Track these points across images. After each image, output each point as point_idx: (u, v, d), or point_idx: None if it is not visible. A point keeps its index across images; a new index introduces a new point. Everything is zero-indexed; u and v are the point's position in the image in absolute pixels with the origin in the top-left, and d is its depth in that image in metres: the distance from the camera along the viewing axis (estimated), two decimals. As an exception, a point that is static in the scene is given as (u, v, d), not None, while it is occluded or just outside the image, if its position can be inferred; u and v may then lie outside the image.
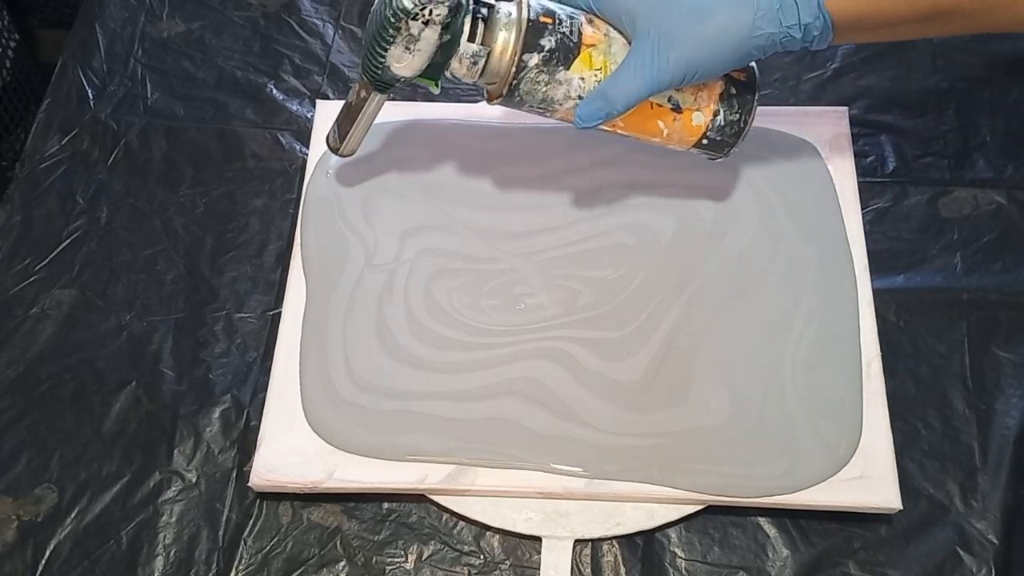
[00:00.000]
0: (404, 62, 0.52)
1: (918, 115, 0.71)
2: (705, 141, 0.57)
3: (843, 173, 0.66)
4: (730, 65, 0.53)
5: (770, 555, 0.56)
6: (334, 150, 0.62)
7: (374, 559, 0.56)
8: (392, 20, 0.51)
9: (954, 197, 0.68)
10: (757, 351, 0.60)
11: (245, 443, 0.59)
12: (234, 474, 0.59)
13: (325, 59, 0.75)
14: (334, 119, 0.61)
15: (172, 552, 0.56)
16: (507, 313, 0.61)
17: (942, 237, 0.66)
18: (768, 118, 0.68)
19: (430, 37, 0.51)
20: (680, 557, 0.56)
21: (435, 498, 0.57)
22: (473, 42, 0.52)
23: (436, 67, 0.53)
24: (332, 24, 0.77)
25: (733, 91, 0.56)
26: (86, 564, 0.56)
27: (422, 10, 0.50)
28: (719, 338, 0.60)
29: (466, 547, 0.57)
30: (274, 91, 0.74)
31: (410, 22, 0.50)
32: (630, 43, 0.53)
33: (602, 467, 0.56)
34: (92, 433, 0.60)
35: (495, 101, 0.55)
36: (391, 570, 0.56)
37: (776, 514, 0.57)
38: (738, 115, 0.56)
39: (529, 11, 0.52)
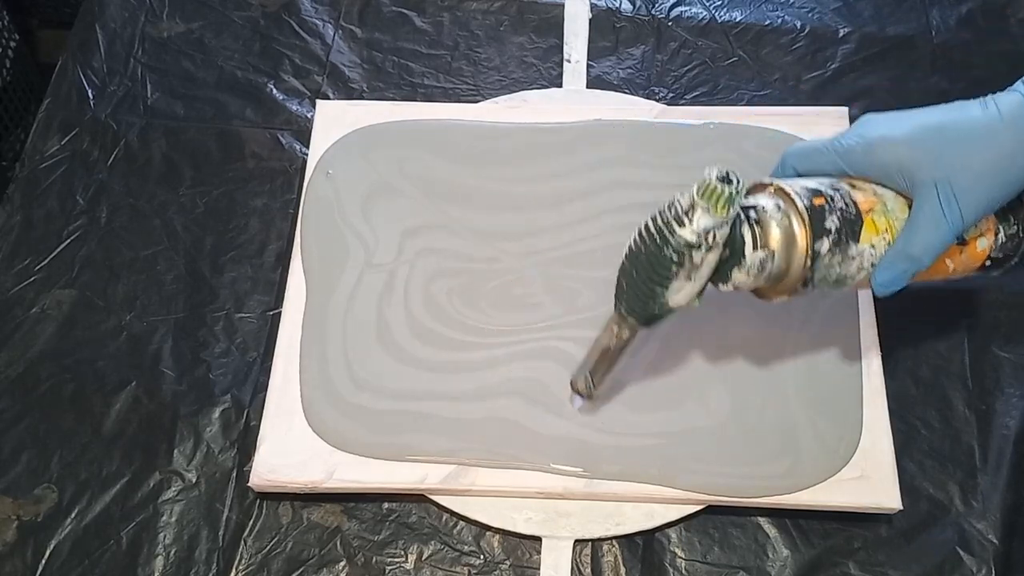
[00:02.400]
0: (683, 292, 0.48)
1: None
2: (988, 263, 0.53)
3: (843, 173, 0.66)
4: (1022, 187, 0.49)
5: (770, 555, 0.56)
6: (585, 395, 0.56)
7: (374, 559, 0.56)
8: (674, 258, 0.46)
9: (954, 197, 0.68)
10: (757, 351, 0.60)
11: (245, 443, 0.59)
12: (234, 474, 0.59)
13: (325, 59, 0.75)
14: (582, 366, 0.55)
15: (172, 552, 0.56)
16: (507, 313, 0.61)
17: (942, 237, 0.66)
18: (768, 118, 0.69)
19: (711, 260, 0.47)
20: (680, 557, 0.56)
21: (435, 498, 0.57)
22: (758, 250, 0.48)
23: (707, 284, 0.49)
24: (332, 24, 0.77)
25: (1004, 204, 0.51)
26: (86, 564, 0.56)
27: (705, 238, 0.45)
28: (719, 338, 0.60)
29: (466, 547, 0.57)
30: (274, 91, 0.74)
31: (694, 253, 0.46)
32: (903, 195, 0.49)
33: (602, 467, 0.56)
34: (92, 433, 0.60)
35: (783, 298, 0.51)
36: (391, 570, 0.56)
37: (776, 514, 0.57)
38: (1016, 227, 0.52)
39: (802, 199, 0.48)
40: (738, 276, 0.49)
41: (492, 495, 0.56)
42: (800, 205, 0.48)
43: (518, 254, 0.63)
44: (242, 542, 0.57)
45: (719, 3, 0.78)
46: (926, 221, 0.48)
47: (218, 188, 0.69)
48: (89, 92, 0.74)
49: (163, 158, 0.71)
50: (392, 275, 0.63)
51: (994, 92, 0.50)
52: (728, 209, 0.45)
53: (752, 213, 0.48)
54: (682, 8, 0.78)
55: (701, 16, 0.77)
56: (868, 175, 0.50)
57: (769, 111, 0.69)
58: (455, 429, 0.57)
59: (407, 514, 0.58)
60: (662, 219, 0.46)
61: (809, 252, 0.48)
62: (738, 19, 0.77)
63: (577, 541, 0.56)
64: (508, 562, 0.56)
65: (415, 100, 0.73)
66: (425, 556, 0.56)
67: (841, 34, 0.76)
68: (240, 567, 0.56)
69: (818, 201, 0.48)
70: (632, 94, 0.73)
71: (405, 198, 0.66)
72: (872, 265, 0.50)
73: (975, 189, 0.47)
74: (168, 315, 0.64)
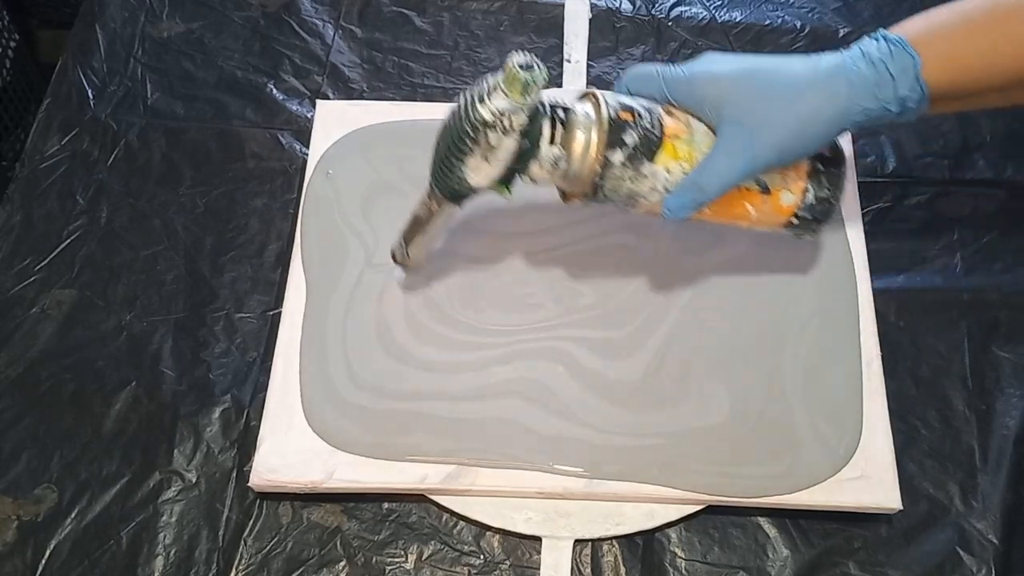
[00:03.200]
0: (482, 172, 0.51)
1: (918, 115, 0.71)
2: (795, 220, 0.55)
3: (843, 173, 0.66)
4: (823, 143, 0.51)
5: (770, 555, 0.56)
6: (400, 262, 0.59)
7: (374, 559, 0.56)
8: (470, 132, 0.49)
9: (954, 197, 0.68)
10: (757, 351, 0.60)
11: (245, 443, 0.59)
12: (234, 474, 0.59)
13: (325, 59, 0.75)
14: (400, 233, 0.58)
15: (172, 552, 0.56)
16: (507, 313, 0.61)
17: (942, 237, 0.66)
18: (768, 118, 0.68)
19: (509, 145, 0.49)
20: (680, 557, 0.56)
21: (435, 498, 0.57)
22: (553, 145, 0.51)
23: (511, 173, 0.52)
24: (332, 24, 0.77)
25: (820, 167, 0.54)
26: (86, 564, 0.56)
27: (501, 119, 0.48)
28: (719, 338, 0.60)
29: (466, 547, 0.57)
30: (274, 91, 0.74)
31: (489, 132, 0.49)
32: (713, 131, 0.52)
33: (602, 467, 0.56)
34: (92, 433, 0.60)
35: (575, 201, 0.54)
36: (391, 570, 0.56)
37: (776, 514, 0.57)
38: (828, 191, 0.54)
39: (608, 109, 0.50)
40: (534, 168, 0.51)
41: (492, 495, 0.56)
42: (604, 113, 0.50)
43: (518, 254, 0.63)
44: (242, 542, 0.57)
45: (719, 3, 0.78)
46: (720, 155, 0.51)
47: (218, 188, 0.69)
48: (89, 92, 0.74)
49: (163, 158, 0.71)
50: (392, 275, 0.63)
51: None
52: (525, 95, 0.48)
53: (560, 113, 0.51)
54: (682, 8, 0.78)
55: (701, 16, 0.77)
56: (685, 105, 0.52)
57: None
58: (455, 429, 0.57)
59: (407, 514, 0.58)
60: (467, 96, 0.49)
61: (600, 158, 0.50)
62: (738, 19, 0.77)
63: (577, 541, 0.56)
64: (508, 562, 0.56)
65: (415, 100, 0.73)
66: (425, 556, 0.56)
67: (841, 34, 0.76)
68: (240, 567, 0.56)
69: (624, 116, 0.51)
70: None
71: (405, 198, 0.66)
72: (665, 189, 0.52)
73: (771, 135, 0.50)
74: (168, 315, 0.64)
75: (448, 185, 0.52)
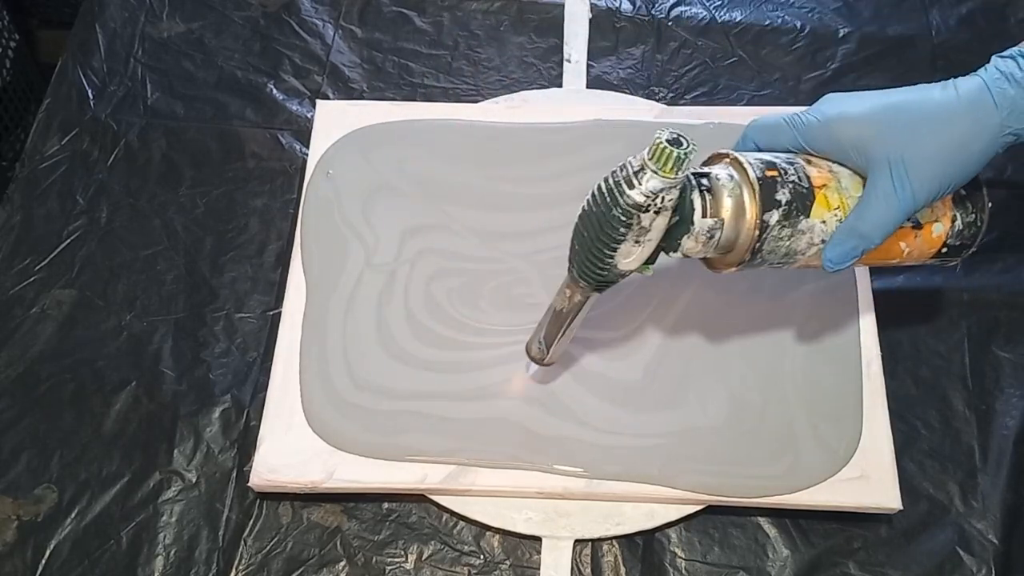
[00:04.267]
0: (632, 256, 0.48)
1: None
2: (944, 250, 0.53)
3: (843, 173, 0.66)
4: (977, 171, 0.49)
5: (770, 555, 0.56)
6: (538, 360, 0.56)
7: (374, 559, 0.56)
8: (622, 218, 0.46)
9: (954, 197, 0.68)
10: (757, 351, 0.60)
11: (245, 443, 0.59)
12: (234, 474, 0.59)
13: (325, 59, 0.75)
14: (536, 331, 0.55)
15: (172, 552, 0.56)
16: (507, 313, 0.61)
17: (942, 237, 0.66)
18: (768, 118, 0.68)
19: (660, 225, 0.47)
20: (680, 557, 0.56)
21: (435, 498, 0.57)
22: (707, 217, 0.48)
23: (658, 251, 0.49)
24: (332, 24, 0.77)
25: (963, 192, 0.52)
26: (86, 564, 0.56)
27: (654, 200, 0.45)
28: (719, 338, 0.60)
29: (466, 547, 0.57)
30: (274, 91, 0.74)
31: (642, 215, 0.46)
32: (859, 174, 0.50)
33: (602, 467, 0.56)
34: (92, 433, 0.60)
35: (731, 269, 0.50)
36: (391, 570, 0.56)
37: (776, 514, 0.57)
38: (973, 215, 0.53)
39: (753, 169, 0.48)
40: (687, 243, 0.49)
41: (492, 495, 0.56)
42: (752, 176, 0.48)
43: (518, 254, 0.63)
44: (242, 542, 0.57)
45: (719, 3, 0.78)
46: (877, 199, 0.48)
47: (218, 188, 0.69)
48: (89, 92, 0.74)
49: (163, 158, 0.71)
50: (392, 275, 0.63)
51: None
52: (676, 171, 0.45)
53: (705, 181, 0.48)
54: (682, 8, 0.78)
55: (701, 16, 0.77)
56: (825, 152, 0.50)
57: (769, 111, 0.69)
58: (455, 429, 0.57)
59: (407, 514, 0.58)
60: (613, 180, 0.46)
61: (758, 223, 0.48)
62: (738, 19, 0.77)
63: (577, 541, 0.56)
64: (508, 562, 0.56)
65: (415, 100, 0.73)
66: (425, 556, 0.56)
67: (841, 34, 0.76)
68: (240, 567, 0.56)
69: (771, 173, 0.48)
70: (632, 94, 0.73)
71: (405, 198, 0.66)
72: (823, 241, 0.50)
73: (928, 169, 0.48)
74: (168, 315, 0.64)
75: (598, 275, 0.49)
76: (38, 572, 0.56)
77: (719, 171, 0.49)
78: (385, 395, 0.58)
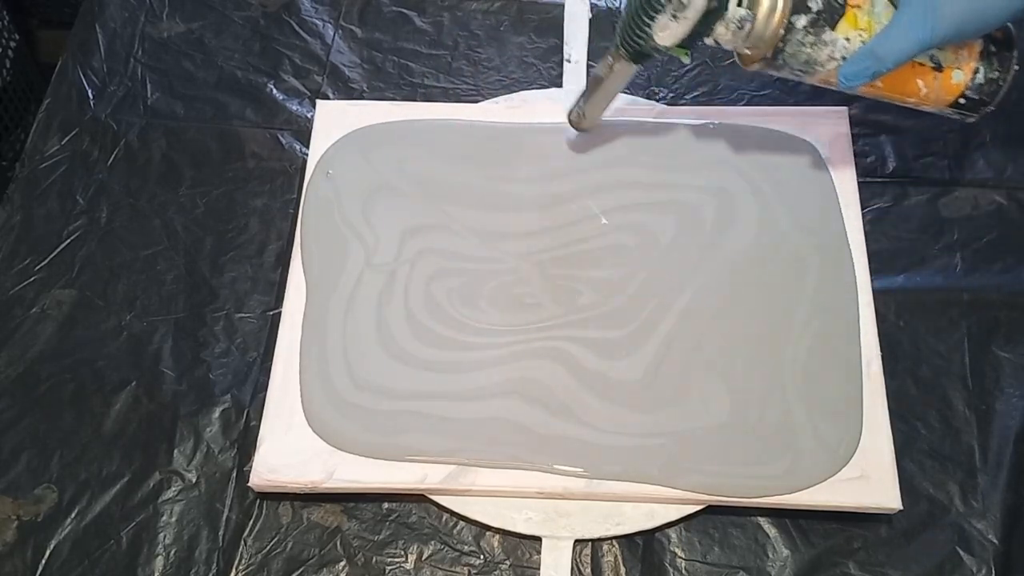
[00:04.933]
0: (669, 30, 0.53)
1: (918, 115, 0.71)
2: (963, 100, 0.57)
3: (843, 173, 0.66)
4: (1003, 20, 0.52)
5: (770, 555, 0.56)
6: (575, 123, 0.64)
7: (374, 559, 0.56)
8: None
9: (954, 197, 0.68)
10: (757, 351, 0.60)
11: (245, 443, 0.59)
12: (234, 474, 0.59)
13: (325, 59, 0.75)
14: (578, 96, 0.63)
15: (172, 552, 0.56)
16: (507, 313, 0.61)
17: (942, 237, 0.66)
18: (768, 118, 0.69)
19: (698, 4, 0.51)
20: (680, 557, 0.56)
21: (435, 498, 0.57)
22: (740, 6, 0.53)
23: (695, 35, 0.54)
24: (332, 24, 0.77)
25: (992, 48, 0.55)
26: (86, 564, 0.56)
27: None
28: (719, 338, 0.60)
29: (466, 547, 0.57)
30: (274, 91, 0.74)
31: None
32: (894, 4, 0.53)
33: (602, 467, 0.56)
34: (92, 433, 0.60)
35: (754, 65, 0.56)
36: (391, 570, 0.56)
37: (776, 514, 0.57)
38: (997, 72, 0.56)
39: None
40: (719, 29, 0.53)
41: (492, 495, 0.56)
42: None
43: (518, 254, 0.63)
44: (242, 542, 0.57)
45: (719, 3, 0.78)
46: (900, 25, 0.51)
47: (218, 188, 0.69)
48: (89, 92, 0.74)
49: (163, 158, 0.71)
50: (392, 275, 0.63)
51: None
52: None
53: None
54: (682, 8, 0.78)
55: (701, 16, 0.77)
56: None
57: (769, 111, 0.69)
58: (455, 429, 0.57)
59: (407, 514, 0.58)
60: None
61: (783, 22, 0.52)
62: (738, 19, 0.77)
63: (577, 541, 0.56)
64: (508, 562, 0.56)
65: (415, 100, 0.73)
66: (425, 556, 0.56)
67: (841, 34, 0.76)
68: (240, 567, 0.56)
69: None
70: (632, 94, 0.73)
71: (405, 198, 0.66)
72: (843, 58, 0.53)
73: (954, 7, 0.50)
74: (168, 315, 0.64)
75: (634, 43, 0.54)
76: (38, 572, 0.56)
77: None
78: (385, 395, 0.58)
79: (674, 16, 0.52)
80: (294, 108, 0.73)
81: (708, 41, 0.54)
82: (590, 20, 0.77)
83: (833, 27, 0.53)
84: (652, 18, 0.52)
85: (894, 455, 0.56)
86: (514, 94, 0.72)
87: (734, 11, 0.52)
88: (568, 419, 0.57)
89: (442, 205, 0.65)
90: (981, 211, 0.67)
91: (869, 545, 0.56)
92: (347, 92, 0.74)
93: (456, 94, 0.74)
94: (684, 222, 0.64)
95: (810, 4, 0.52)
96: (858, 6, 0.53)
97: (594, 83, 0.60)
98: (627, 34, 0.55)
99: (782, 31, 0.53)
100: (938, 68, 0.55)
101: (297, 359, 0.60)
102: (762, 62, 0.55)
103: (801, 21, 0.52)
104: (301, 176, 0.68)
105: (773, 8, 0.52)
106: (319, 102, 0.71)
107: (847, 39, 0.53)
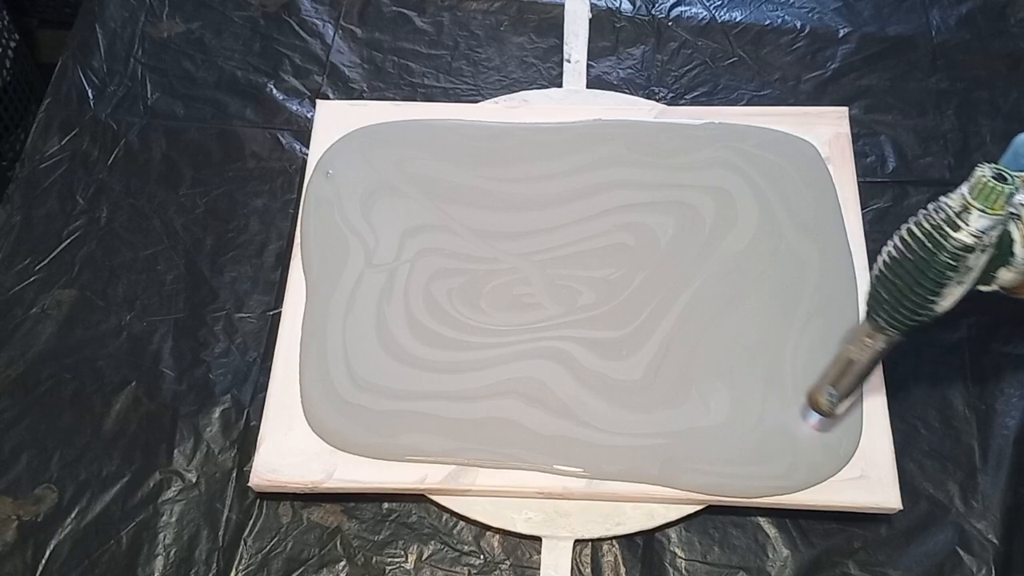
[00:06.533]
0: (952, 296, 0.47)
1: (918, 115, 0.71)
2: None
3: (843, 173, 0.66)
4: None
5: (770, 555, 0.56)
6: (827, 413, 0.56)
7: (374, 559, 0.56)
8: (950, 263, 0.45)
9: (954, 197, 0.68)
10: (757, 351, 0.60)
11: (245, 443, 0.59)
12: (234, 474, 0.59)
13: (325, 59, 0.75)
14: (821, 380, 0.55)
15: (172, 552, 0.56)
16: (507, 313, 0.61)
17: (942, 237, 0.66)
18: (768, 118, 0.69)
19: (983, 262, 0.46)
20: (680, 557, 0.56)
21: (435, 498, 0.57)
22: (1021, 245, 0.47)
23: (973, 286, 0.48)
24: (332, 24, 0.77)
25: None
26: (86, 564, 0.56)
27: (981, 239, 0.44)
28: (719, 338, 0.60)
29: (466, 547, 0.57)
30: (274, 91, 0.74)
31: (969, 256, 0.45)
32: None
33: (602, 467, 0.56)
34: (92, 433, 0.60)
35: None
36: (391, 570, 0.56)
37: (776, 514, 0.57)
38: None
39: None
40: (1004, 274, 0.48)
41: (492, 495, 0.56)
42: None
43: (518, 254, 0.63)
44: (242, 542, 0.57)
45: (719, 3, 0.78)
46: None
47: (218, 188, 0.69)
48: (89, 92, 0.74)
49: (163, 158, 0.71)
50: (392, 275, 0.63)
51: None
52: (1005, 207, 0.44)
53: (1011, 209, 0.46)
54: (682, 8, 0.78)
55: (701, 16, 0.77)
56: None
57: (769, 111, 0.70)
58: (455, 429, 0.57)
59: (407, 514, 0.58)
60: (930, 223, 0.45)
61: None
62: (738, 19, 0.77)
63: (577, 541, 0.56)
64: (508, 562, 0.56)
65: (415, 100, 0.73)
66: (425, 556, 0.56)
67: (841, 34, 0.76)
68: (240, 567, 0.56)
69: None
70: (632, 94, 0.73)
71: (405, 198, 0.66)
72: None
73: None
74: (168, 315, 0.64)
75: (915, 321, 0.48)
76: (38, 572, 0.56)
77: (1019, 196, 0.46)
78: (385, 395, 0.58)
79: (960, 282, 0.46)
80: (294, 108, 0.73)
81: (987, 289, 0.48)
82: (590, 20, 0.77)
83: None
84: (937, 294, 0.46)
85: (894, 455, 0.56)
86: (514, 94, 0.72)
87: (1021, 253, 0.46)
88: (568, 419, 0.57)
89: (442, 205, 0.65)
90: (981, 211, 0.67)
91: (869, 545, 0.56)
92: (347, 92, 0.74)
93: (456, 94, 0.74)
94: (684, 222, 0.64)
95: None
96: None
97: (847, 368, 0.52)
98: (900, 315, 0.48)
99: None
100: None
101: (297, 359, 0.60)
102: None
103: None
104: (301, 176, 0.68)
105: None
106: (319, 102, 0.71)
107: None
